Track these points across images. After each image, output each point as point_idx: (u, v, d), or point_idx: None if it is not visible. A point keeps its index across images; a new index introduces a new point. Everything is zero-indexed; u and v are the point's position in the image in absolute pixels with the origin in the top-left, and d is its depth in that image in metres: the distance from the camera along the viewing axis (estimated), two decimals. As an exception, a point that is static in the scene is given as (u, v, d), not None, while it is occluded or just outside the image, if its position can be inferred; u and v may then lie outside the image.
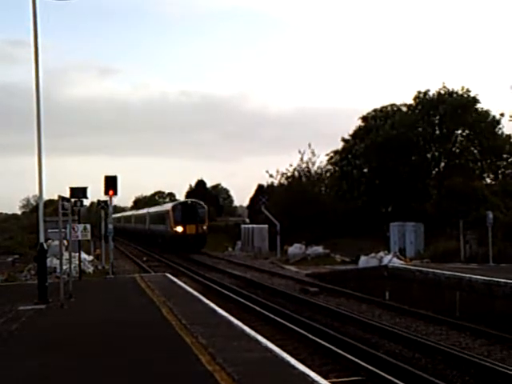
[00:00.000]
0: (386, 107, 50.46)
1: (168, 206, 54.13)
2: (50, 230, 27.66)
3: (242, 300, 21.48)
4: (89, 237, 19.56)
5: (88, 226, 19.18)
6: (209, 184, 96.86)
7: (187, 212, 49.12)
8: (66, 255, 19.53)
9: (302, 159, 51.68)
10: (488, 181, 44.33)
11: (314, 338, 14.52)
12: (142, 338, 11.21)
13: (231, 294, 23.05)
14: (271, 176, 52.74)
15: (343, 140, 51.16)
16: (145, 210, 68.72)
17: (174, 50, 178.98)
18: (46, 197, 20.04)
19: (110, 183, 25.41)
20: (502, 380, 11.18)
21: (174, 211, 49.60)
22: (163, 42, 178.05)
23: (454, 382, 11.26)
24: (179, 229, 48.41)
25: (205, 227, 49.36)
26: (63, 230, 17.00)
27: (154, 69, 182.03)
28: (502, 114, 44.58)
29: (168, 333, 11.52)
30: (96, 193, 40.16)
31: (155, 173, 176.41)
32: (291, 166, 52.44)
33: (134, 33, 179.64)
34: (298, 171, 52.13)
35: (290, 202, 47.51)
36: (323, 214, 45.56)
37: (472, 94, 45.74)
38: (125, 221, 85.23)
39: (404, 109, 48.72)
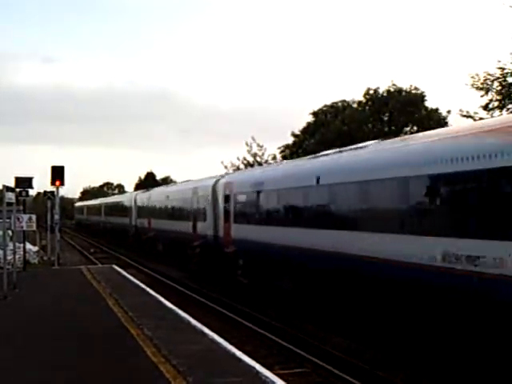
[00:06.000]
0: (336, 103, 50.95)
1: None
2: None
3: (190, 293, 21.44)
4: (34, 227, 19.22)
5: (33, 217, 18.82)
6: (158, 176, 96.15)
7: None
8: (10, 245, 19.12)
9: (249, 151, 51.49)
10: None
11: (260, 330, 14.64)
12: (86, 331, 11.09)
13: (178, 287, 22.98)
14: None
15: (293, 135, 51.37)
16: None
17: (122, 39, 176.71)
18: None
19: (57, 173, 24.97)
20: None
21: None
22: (110, 31, 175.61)
23: (395, 372, 11.50)
24: None
25: None
26: (7, 220, 16.66)
27: (101, 58, 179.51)
28: (448, 112, 45.68)
29: (114, 325, 11.44)
30: (43, 183, 39.21)
31: (103, 164, 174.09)
32: (238, 159, 52.17)
33: (78, 21, 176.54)
34: (247, 164, 51.93)
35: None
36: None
37: (420, 92, 46.69)
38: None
39: (354, 105, 49.29)
